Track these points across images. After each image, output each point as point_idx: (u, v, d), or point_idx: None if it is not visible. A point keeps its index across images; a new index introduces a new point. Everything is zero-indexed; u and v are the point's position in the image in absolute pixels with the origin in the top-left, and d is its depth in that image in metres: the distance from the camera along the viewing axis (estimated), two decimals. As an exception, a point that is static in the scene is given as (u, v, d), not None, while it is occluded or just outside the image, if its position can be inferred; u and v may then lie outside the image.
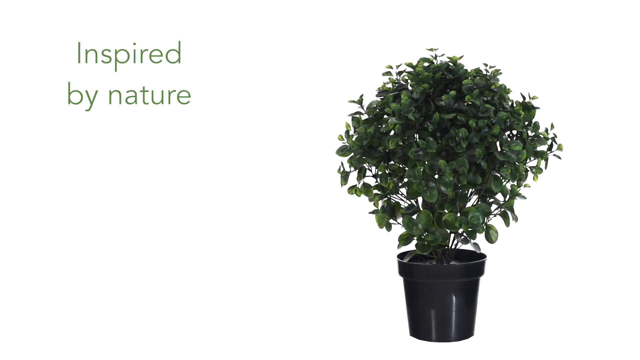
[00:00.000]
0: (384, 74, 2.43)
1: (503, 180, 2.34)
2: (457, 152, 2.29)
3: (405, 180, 2.38)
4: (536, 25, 3.19)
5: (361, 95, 2.44)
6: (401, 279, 2.47)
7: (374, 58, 2.76)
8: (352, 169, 2.42)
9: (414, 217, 2.38)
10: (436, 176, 2.32)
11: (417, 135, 2.33)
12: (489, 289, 2.72)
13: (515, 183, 2.36)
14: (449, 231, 2.36)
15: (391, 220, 2.43)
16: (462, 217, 2.31)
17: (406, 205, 2.43)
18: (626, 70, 3.17)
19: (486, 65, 2.39)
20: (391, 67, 2.43)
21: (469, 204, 2.39)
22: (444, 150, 2.33)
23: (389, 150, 2.39)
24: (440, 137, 2.34)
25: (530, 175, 2.42)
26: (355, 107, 2.45)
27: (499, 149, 2.30)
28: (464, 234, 2.36)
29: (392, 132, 2.36)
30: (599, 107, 3.19)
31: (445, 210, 2.32)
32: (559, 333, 2.48)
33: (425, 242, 2.34)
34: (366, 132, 2.36)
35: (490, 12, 3.20)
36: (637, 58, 3.16)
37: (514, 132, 2.37)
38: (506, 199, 2.35)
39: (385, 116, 2.40)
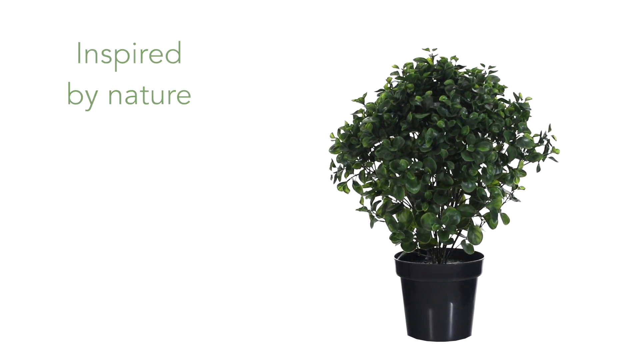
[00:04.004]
0: (391, 74, 2.43)
1: (474, 181, 2.32)
2: (423, 152, 2.29)
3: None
4: (551, 27, 3.19)
5: (364, 94, 2.45)
6: (399, 278, 2.47)
7: (384, 57, 2.75)
8: (343, 166, 2.43)
9: (400, 215, 2.39)
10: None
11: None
12: (487, 289, 2.73)
13: (490, 184, 2.35)
14: (430, 231, 2.36)
15: (381, 219, 2.43)
16: (435, 216, 2.31)
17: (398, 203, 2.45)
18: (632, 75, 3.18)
19: (483, 65, 2.39)
20: (397, 67, 2.43)
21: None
22: (415, 150, 2.33)
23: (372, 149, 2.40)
24: (417, 137, 2.35)
25: (526, 176, 2.41)
26: (360, 106, 2.47)
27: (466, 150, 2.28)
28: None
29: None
30: (604, 109, 3.19)
31: (424, 210, 2.32)
32: (557, 332, 2.48)
33: (399, 240, 2.35)
34: (345, 130, 2.38)
35: (501, 12, 3.20)
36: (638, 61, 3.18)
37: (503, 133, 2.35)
38: (485, 201, 2.34)
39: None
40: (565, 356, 2.31)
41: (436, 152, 2.28)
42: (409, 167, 2.28)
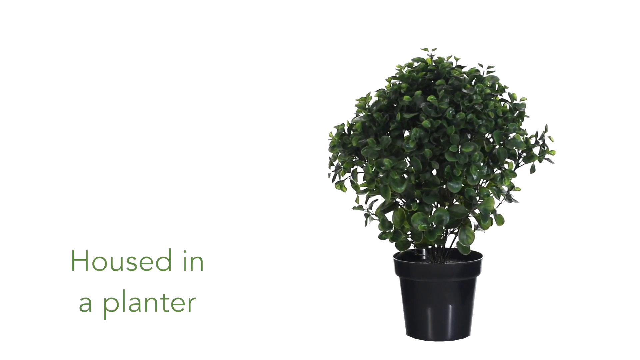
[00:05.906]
0: (396, 74, 2.43)
1: (459, 181, 2.31)
2: (406, 151, 2.29)
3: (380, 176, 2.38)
4: (554, 29, 3.20)
5: (368, 94, 2.45)
6: (398, 278, 2.47)
7: (395, 56, 2.76)
8: (340, 164, 2.44)
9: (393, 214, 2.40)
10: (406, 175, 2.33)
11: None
12: (486, 289, 2.73)
13: (481, 184, 2.34)
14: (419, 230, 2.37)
15: (377, 218, 2.44)
16: (425, 216, 2.32)
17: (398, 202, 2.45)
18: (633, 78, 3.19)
19: (481, 65, 2.39)
20: (400, 67, 2.43)
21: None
22: (402, 149, 2.33)
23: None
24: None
25: (523, 177, 2.41)
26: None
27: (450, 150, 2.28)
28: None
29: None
30: (603, 110, 3.19)
31: (413, 209, 2.32)
32: (555, 332, 2.48)
33: (387, 239, 2.36)
34: (339, 129, 2.39)
35: (506, 13, 3.21)
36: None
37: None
38: (475, 202, 2.34)
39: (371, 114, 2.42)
40: (565, 356, 2.32)
41: (420, 152, 2.28)
42: (392, 166, 2.28)
